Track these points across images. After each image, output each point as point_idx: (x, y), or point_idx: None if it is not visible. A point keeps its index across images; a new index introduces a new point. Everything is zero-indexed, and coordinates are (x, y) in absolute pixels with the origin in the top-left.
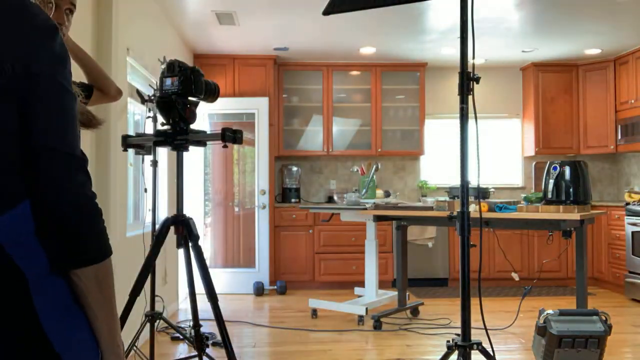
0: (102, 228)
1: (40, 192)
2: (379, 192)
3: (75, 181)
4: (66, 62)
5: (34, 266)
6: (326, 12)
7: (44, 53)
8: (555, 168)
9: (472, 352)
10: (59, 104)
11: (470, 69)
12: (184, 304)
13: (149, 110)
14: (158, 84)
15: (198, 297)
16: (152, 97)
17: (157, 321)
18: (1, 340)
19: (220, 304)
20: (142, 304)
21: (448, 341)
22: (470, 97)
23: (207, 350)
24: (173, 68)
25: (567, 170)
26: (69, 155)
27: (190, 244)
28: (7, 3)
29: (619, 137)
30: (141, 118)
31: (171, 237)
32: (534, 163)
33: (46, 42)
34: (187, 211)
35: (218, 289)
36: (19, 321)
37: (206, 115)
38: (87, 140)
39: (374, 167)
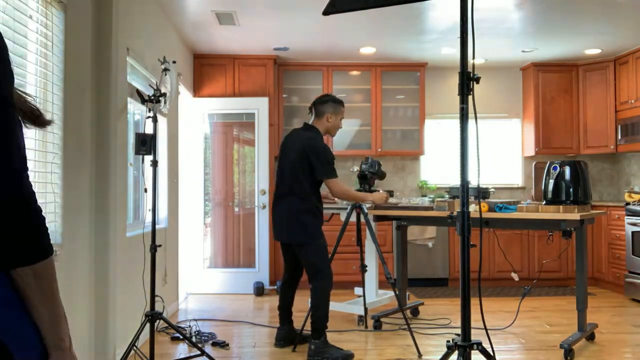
0: (44, 229)
1: None
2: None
3: (23, 189)
4: (6, 64)
5: None
6: (326, 12)
7: None
8: (555, 168)
9: (472, 352)
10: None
11: (470, 69)
12: (184, 304)
13: (149, 110)
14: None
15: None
16: (152, 97)
17: (157, 321)
18: None
19: (221, 304)
20: (141, 304)
21: (448, 341)
22: (470, 97)
23: (207, 350)
24: None
25: (567, 170)
26: (13, 170)
27: None
28: None
29: (619, 137)
30: (141, 118)
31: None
32: (534, 163)
33: None
34: (187, 211)
35: (218, 289)
36: None
37: (206, 116)
38: (87, 140)
39: None
